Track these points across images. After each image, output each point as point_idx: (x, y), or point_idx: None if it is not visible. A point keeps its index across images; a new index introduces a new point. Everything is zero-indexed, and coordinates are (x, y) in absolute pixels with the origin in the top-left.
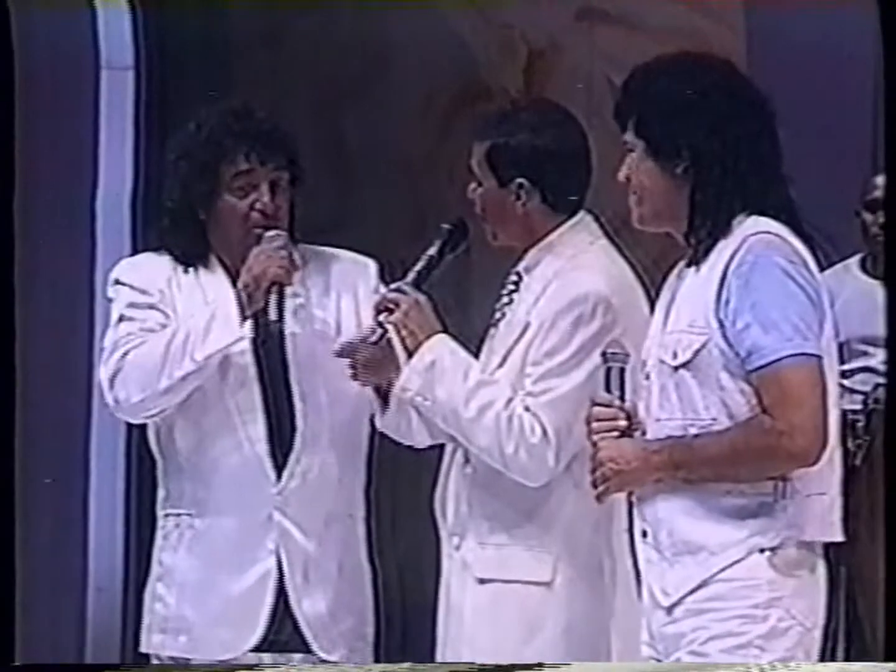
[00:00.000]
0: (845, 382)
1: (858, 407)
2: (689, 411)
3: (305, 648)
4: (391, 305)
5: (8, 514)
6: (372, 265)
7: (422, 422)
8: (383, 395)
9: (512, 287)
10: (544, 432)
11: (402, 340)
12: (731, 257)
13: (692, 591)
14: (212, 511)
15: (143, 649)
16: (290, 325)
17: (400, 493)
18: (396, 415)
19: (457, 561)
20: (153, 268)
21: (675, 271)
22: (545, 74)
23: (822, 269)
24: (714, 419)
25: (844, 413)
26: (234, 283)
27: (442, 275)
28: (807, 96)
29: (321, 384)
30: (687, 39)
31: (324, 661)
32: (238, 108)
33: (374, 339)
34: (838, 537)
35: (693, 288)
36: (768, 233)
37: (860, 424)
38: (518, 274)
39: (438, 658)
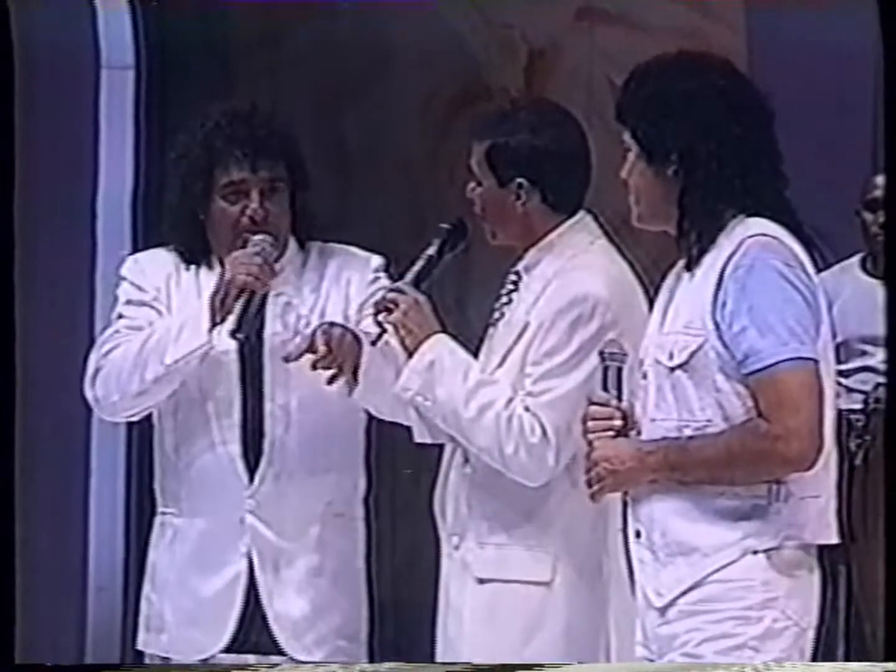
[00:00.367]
0: (846, 382)
1: (859, 406)
2: (685, 412)
3: (277, 650)
4: (390, 305)
5: (8, 514)
6: (375, 260)
7: (421, 422)
8: (352, 375)
9: (511, 287)
10: (544, 432)
11: (402, 340)
12: (728, 259)
13: (685, 593)
14: (188, 511)
15: (139, 646)
16: (271, 326)
17: (399, 493)
18: (367, 388)
19: (456, 561)
20: (155, 264)
21: (674, 271)
22: (545, 74)
23: (819, 270)
24: (709, 421)
25: (844, 413)
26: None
27: (441, 274)
28: (807, 96)
29: (293, 384)
30: (687, 39)
31: (314, 663)
32: (236, 111)
33: (372, 338)
34: (833, 539)
35: (690, 289)
36: (766, 235)
37: (860, 424)
38: (517, 273)
39: (438, 658)
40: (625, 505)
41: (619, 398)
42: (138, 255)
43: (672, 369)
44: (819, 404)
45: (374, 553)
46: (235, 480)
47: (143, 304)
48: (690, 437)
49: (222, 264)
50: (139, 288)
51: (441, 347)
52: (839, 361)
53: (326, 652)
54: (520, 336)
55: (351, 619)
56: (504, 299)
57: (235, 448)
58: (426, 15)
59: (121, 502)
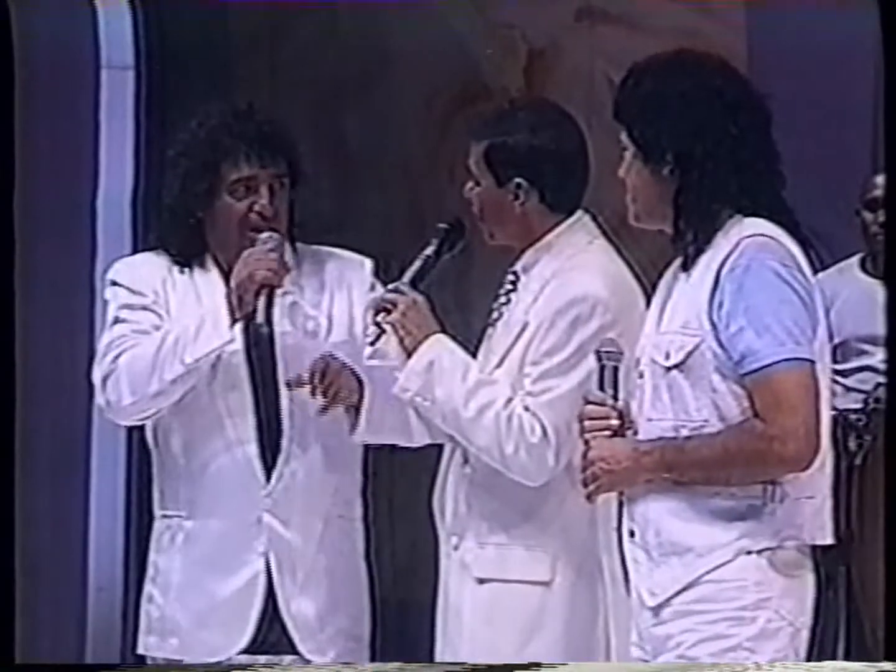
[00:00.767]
0: (845, 382)
1: (859, 406)
2: (681, 412)
3: (293, 650)
4: (389, 306)
5: (8, 515)
6: (368, 264)
7: (421, 421)
8: (354, 413)
9: (510, 287)
10: (544, 432)
11: (401, 341)
12: (725, 259)
13: (679, 593)
14: (202, 513)
15: (139, 650)
16: (281, 325)
17: (399, 493)
18: (369, 428)
19: (456, 561)
20: (148, 268)
21: (671, 271)
22: (545, 74)
23: (816, 271)
24: (706, 421)
25: (844, 413)
26: (227, 284)
27: (440, 274)
28: (807, 96)
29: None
30: (687, 39)
31: (309, 662)
32: (239, 109)
33: (371, 339)
34: (828, 539)
35: (687, 289)
36: (762, 235)
37: (860, 424)
38: (516, 273)
39: (437, 658)
40: (620, 504)
41: (616, 398)
42: (127, 259)
43: (668, 369)
44: (815, 405)
45: (373, 553)
46: (252, 480)
47: (143, 308)
48: (687, 438)
49: (218, 264)
50: (136, 292)
51: (440, 347)
52: (839, 361)
53: (337, 651)
54: (519, 336)
55: (355, 619)
56: (503, 299)
57: (252, 448)
58: (426, 15)
59: (121, 502)
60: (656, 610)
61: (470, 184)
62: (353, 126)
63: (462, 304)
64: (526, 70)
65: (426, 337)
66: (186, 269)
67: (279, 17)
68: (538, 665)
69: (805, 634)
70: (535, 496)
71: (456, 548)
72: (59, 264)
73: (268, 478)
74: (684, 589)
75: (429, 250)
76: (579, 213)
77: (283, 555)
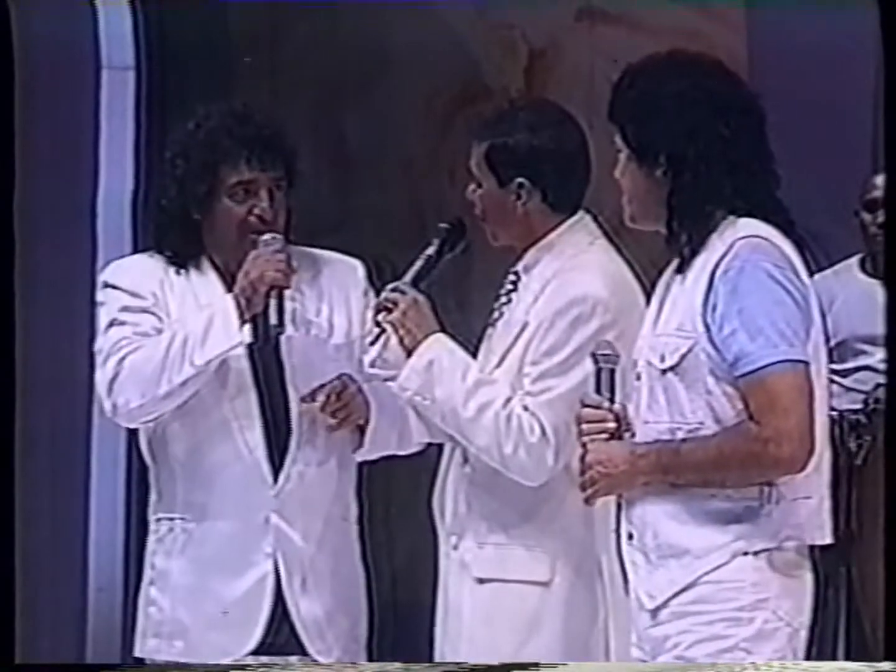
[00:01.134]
0: (845, 382)
1: (859, 406)
2: (677, 414)
3: (302, 651)
4: (389, 305)
5: (8, 514)
6: (360, 267)
7: (420, 421)
8: (359, 432)
9: (510, 287)
10: (543, 432)
11: (401, 340)
12: (719, 261)
13: (676, 594)
14: (208, 515)
15: (136, 653)
16: (285, 329)
17: (398, 493)
18: (371, 449)
19: (455, 561)
20: (145, 270)
21: (667, 272)
22: (545, 74)
23: (812, 271)
24: (701, 423)
25: (844, 413)
26: (226, 287)
27: (440, 274)
28: (807, 96)
29: (316, 380)
30: (687, 39)
31: (316, 663)
32: (238, 111)
33: (371, 338)
34: (826, 539)
35: (682, 291)
36: (756, 236)
37: (860, 424)
38: (517, 273)
39: (437, 658)
40: (618, 507)
41: (612, 400)
42: (121, 261)
43: (664, 371)
44: (810, 406)
45: (372, 553)
46: (259, 481)
47: (143, 310)
48: (683, 440)
49: (215, 266)
50: (135, 294)
51: (440, 347)
52: (839, 361)
53: (342, 651)
54: (519, 336)
55: (357, 619)
56: (503, 299)
57: (260, 450)
58: (426, 15)
59: (121, 502)
60: (654, 612)
61: (472, 186)
62: (353, 126)
63: (462, 304)
64: (526, 70)
65: (426, 336)
66: (183, 272)
67: (279, 17)
68: (537, 665)
69: (804, 635)
70: (535, 496)
71: (455, 548)
72: (59, 264)
73: (275, 479)
74: (682, 591)
75: (430, 250)
76: (580, 213)
77: (292, 555)
